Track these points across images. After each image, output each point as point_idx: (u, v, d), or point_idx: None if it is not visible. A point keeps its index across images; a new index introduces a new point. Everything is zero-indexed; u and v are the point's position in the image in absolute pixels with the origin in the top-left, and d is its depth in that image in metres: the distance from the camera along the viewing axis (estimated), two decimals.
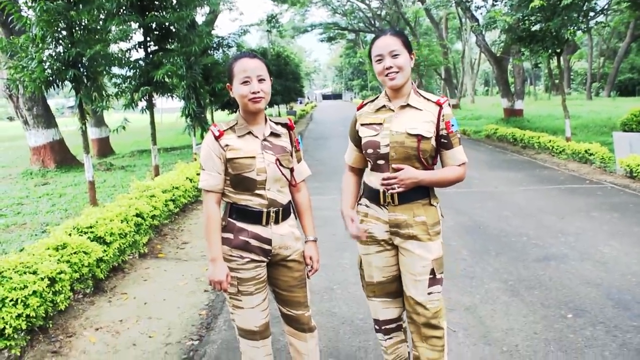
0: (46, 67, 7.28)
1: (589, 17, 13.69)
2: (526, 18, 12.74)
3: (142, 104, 10.29)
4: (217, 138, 2.40)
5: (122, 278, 5.01)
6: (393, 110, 2.48)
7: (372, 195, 2.52)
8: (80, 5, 7.30)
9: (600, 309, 3.86)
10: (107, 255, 4.59)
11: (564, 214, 6.68)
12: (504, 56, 22.53)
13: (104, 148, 18.35)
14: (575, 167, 10.51)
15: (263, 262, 2.49)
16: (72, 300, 4.27)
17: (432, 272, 2.43)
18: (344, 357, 3.34)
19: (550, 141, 12.45)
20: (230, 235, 2.44)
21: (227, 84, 2.47)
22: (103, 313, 4.22)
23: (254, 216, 2.43)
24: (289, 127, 2.59)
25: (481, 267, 4.89)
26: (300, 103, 51.58)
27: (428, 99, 2.47)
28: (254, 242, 2.43)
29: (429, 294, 2.43)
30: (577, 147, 11.05)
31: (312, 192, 2.87)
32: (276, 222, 2.47)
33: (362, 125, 2.56)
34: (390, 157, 2.42)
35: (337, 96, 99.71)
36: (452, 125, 2.43)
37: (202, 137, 12.65)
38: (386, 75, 2.41)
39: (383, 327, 2.68)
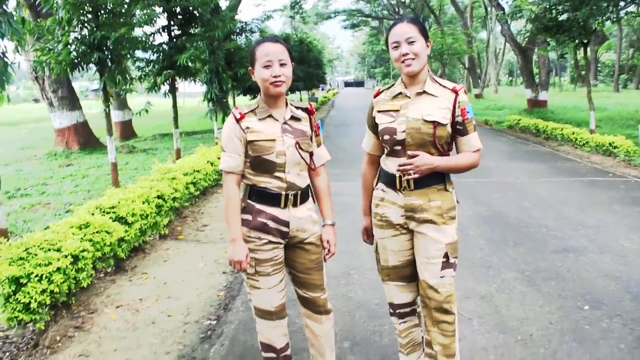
0: (72, 49, 7.38)
1: (619, 7, 13.42)
2: (553, 7, 12.55)
3: (165, 87, 10.37)
4: (238, 120, 2.45)
5: (142, 258, 5.11)
6: (409, 97, 2.50)
7: (389, 180, 2.56)
8: None
9: (617, 301, 3.85)
10: (128, 235, 4.68)
11: (585, 207, 6.62)
12: (529, 46, 22.20)
13: (127, 131, 18.57)
14: (599, 159, 10.38)
15: (280, 243, 2.53)
16: (94, 278, 4.36)
17: (446, 255, 2.46)
18: (359, 340, 3.39)
19: (573, 133, 12.30)
20: (249, 217, 2.48)
21: (250, 67, 2.51)
22: (124, 291, 4.32)
23: (272, 198, 2.47)
24: (309, 112, 2.62)
25: (498, 256, 4.88)
26: (322, 90, 51.49)
27: (444, 86, 2.50)
28: (272, 224, 2.48)
29: (442, 277, 2.47)
30: (601, 140, 10.89)
31: (333, 178, 2.92)
32: (294, 205, 2.52)
33: (378, 112, 2.59)
34: (406, 143, 2.46)
35: (359, 84, 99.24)
36: (468, 112, 2.46)
37: (223, 121, 12.72)
38: (402, 62, 2.44)
39: (397, 311, 2.72)
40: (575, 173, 9.10)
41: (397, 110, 2.50)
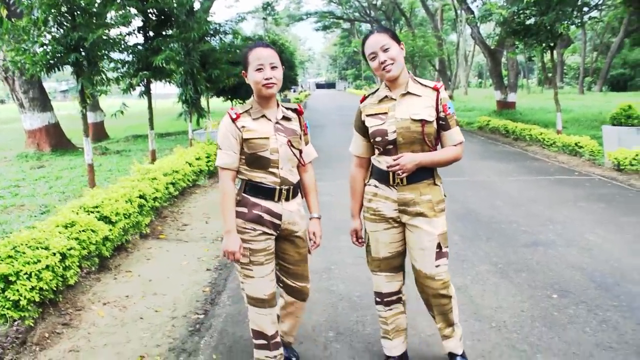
0: (48, 50, 7.36)
1: (583, 12, 13.86)
2: (521, 12, 12.90)
3: (140, 89, 10.37)
4: (234, 120, 2.61)
5: (125, 257, 5.18)
6: (395, 99, 2.67)
7: (382, 177, 2.74)
8: None
9: (583, 290, 4.09)
10: (112, 234, 4.75)
11: (553, 204, 6.90)
12: (498, 49, 22.69)
13: (99, 132, 18.41)
14: (565, 159, 10.74)
15: (273, 235, 2.70)
16: (80, 277, 4.42)
17: (439, 246, 2.68)
18: (343, 330, 3.54)
19: (541, 134, 12.68)
20: (244, 209, 2.64)
21: (243, 71, 2.67)
22: (109, 289, 4.39)
23: (267, 192, 2.64)
24: (298, 112, 2.81)
25: (472, 251, 5.10)
26: (294, 91, 51.56)
27: (425, 85, 2.70)
28: (266, 217, 2.64)
29: (437, 266, 2.69)
30: (567, 140, 11.28)
31: None
32: (287, 199, 2.70)
33: (367, 116, 2.75)
34: (397, 142, 2.64)
35: (330, 85, 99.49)
36: (449, 107, 2.66)
37: (198, 123, 12.75)
38: (383, 69, 2.61)
39: (385, 300, 2.91)
40: (543, 172, 9.42)
41: (386, 113, 2.68)
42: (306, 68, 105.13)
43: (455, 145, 2.70)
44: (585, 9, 13.80)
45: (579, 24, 14.21)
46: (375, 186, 2.79)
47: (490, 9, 13.99)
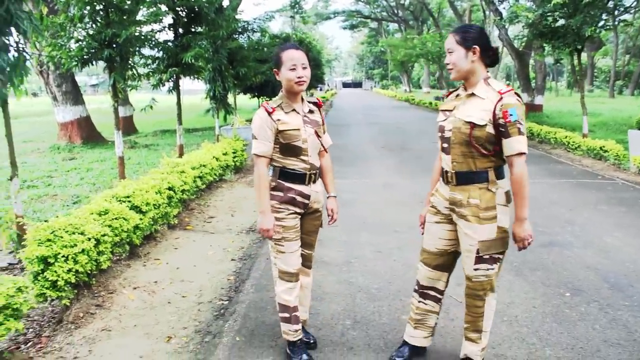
0: (83, 45, 7.64)
1: (614, 15, 13.74)
2: (548, 14, 12.85)
3: (168, 85, 10.62)
4: (270, 113, 2.90)
5: (154, 246, 5.41)
6: (462, 98, 2.77)
7: (442, 174, 2.89)
8: None
9: (596, 289, 4.18)
10: (142, 223, 4.97)
11: (573, 206, 6.95)
12: (525, 51, 22.55)
13: (128, 126, 18.81)
14: (590, 163, 10.72)
15: (300, 214, 3.04)
16: (111, 262, 4.65)
17: (478, 252, 2.71)
18: (359, 319, 3.71)
19: (566, 137, 12.63)
20: (280, 193, 2.99)
21: (274, 69, 2.96)
22: (139, 275, 4.62)
23: (299, 177, 3.00)
24: (318, 105, 3.15)
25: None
26: (320, 90, 51.75)
27: (494, 89, 2.68)
28: (298, 198, 3.02)
29: (475, 270, 2.76)
30: (592, 144, 11.23)
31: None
32: (314, 182, 3.05)
33: (440, 110, 2.91)
34: (451, 141, 2.74)
35: (357, 84, 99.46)
36: (511, 115, 2.57)
37: (225, 119, 12.98)
38: (448, 70, 2.76)
39: (420, 290, 3.08)
40: (566, 175, 9.43)
41: (451, 110, 2.79)
42: (333, 67, 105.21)
43: (513, 156, 2.63)
44: (616, 12, 13.68)
45: (608, 27, 14.07)
46: (440, 182, 2.94)
47: (516, 11, 13.96)
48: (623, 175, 9.27)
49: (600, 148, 10.84)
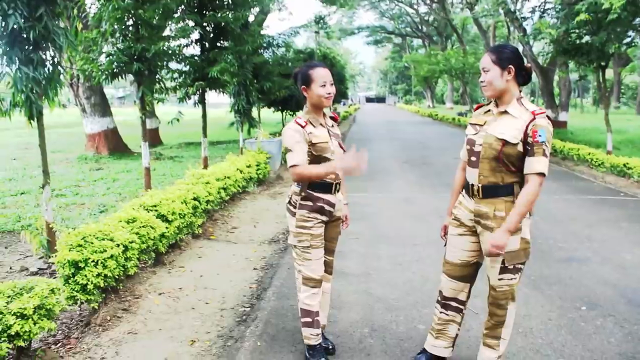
0: (114, 59, 7.91)
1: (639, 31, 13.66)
2: (572, 31, 12.85)
3: (195, 98, 10.86)
4: (303, 127, 3.07)
5: (179, 254, 5.57)
6: (494, 115, 2.86)
7: (466, 187, 2.97)
8: (147, 4, 7.93)
9: (612, 304, 4.22)
10: (168, 231, 5.14)
11: (593, 223, 6.95)
12: (549, 67, 22.47)
13: (154, 138, 19.16)
14: (613, 180, 10.66)
15: (325, 222, 3.19)
16: (137, 269, 4.82)
17: (503, 262, 2.80)
18: (377, 327, 3.81)
19: (589, 154, 12.56)
20: (310, 203, 3.15)
21: (303, 86, 3.14)
22: (164, 281, 4.77)
23: (327, 187, 3.16)
24: (335, 119, 3.34)
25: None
26: (344, 105, 51.99)
27: (527, 109, 2.77)
28: (326, 207, 3.18)
29: (500, 279, 2.86)
30: (615, 161, 11.16)
31: (354, 189, 3.54)
32: (338, 191, 3.21)
33: (470, 124, 3.00)
34: (480, 155, 2.83)
35: (380, 99, 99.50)
36: (539, 135, 2.67)
37: (249, 132, 13.19)
38: (482, 87, 2.86)
39: (442, 301, 3.16)
40: (587, 191, 9.41)
41: (482, 125, 2.88)
42: (357, 82, 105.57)
43: (531, 175, 2.70)
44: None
45: (634, 45, 14.01)
46: (462, 195, 3.04)
47: (539, 28, 13.98)
48: None
49: (624, 165, 10.77)
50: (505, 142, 2.72)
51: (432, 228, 6.60)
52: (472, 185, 2.88)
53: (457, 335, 3.20)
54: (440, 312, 3.17)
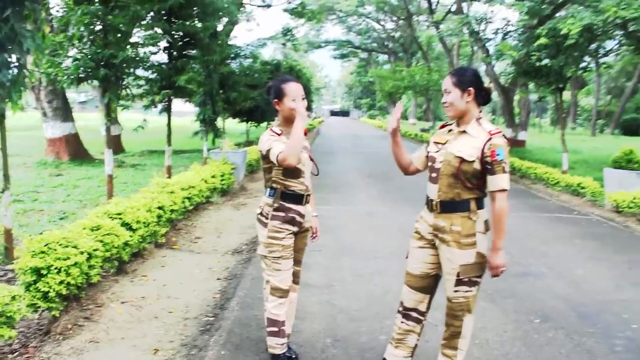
0: (81, 64, 7.82)
1: (597, 56, 14.23)
2: (532, 53, 13.30)
3: (160, 106, 10.79)
4: (279, 135, 3.19)
5: (141, 263, 5.54)
6: (455, 134, 3.02)
7: (426, 201, 3.10)
8: (117, 10, 7.90)
9: (564, 317, 4.42)
10: (132, 240, 5.11)
11: (548, 239, 7.21)
12: (510, 87, 23.10)
13: (116, 146, 18.81)
14: (567, 198, 11.04)
15: (296, 233, 3.28)
16: (100, 277, 4.78)
17: (458, 275, 2.93)
18: (339, 338, 3.89)
19: (546, 173, 12.98)
20: (282, 213, 3.24)
21: (275, 99, 3.25)
22: (126, 290, 4.75)
23: (298, 198, 3.27)
24: (305, 133, 3.32)
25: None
26: (309, 117, 52.14)
27: (484, 129, 2.92)
28: (297, 218, 3.28)
29: (455, 291, 2.97)
30: (570, 180, 11.58)
31: (318, 202, 3.67)
32: (307, 202, 3.30)
33: (433, 142, 3.13)
34: (440, 172, 2.97)
35: (345, 113, 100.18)
36: (498, 154, 2.82)
37: (213, 142, 13.16)
38: (445, 107, 3.01)
39: (403, 312, 3.25)
40: (543, 209, 9.73)
41: (443, 144, 3.02)
42: (322, 95, 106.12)
43: (496, 192, 2.85)
44: (600, 52, 14.17)
45: (589, 69, 14.59)
46: (424, 210, 3.15)
47: (502, 49, 14.43)
48: (598, 212, 9.59)
49: (578, 184, 11.17)
50: (462, 160, 2.87)
51: (393, 241, 6.75)
52: (432, 200, 3.01)
53: (416, 345, 3.29)
54: (401, 322, 3.26)
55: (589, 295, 5.00)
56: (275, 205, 3.24)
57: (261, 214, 3.30)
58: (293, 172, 3.22)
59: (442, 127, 3.19)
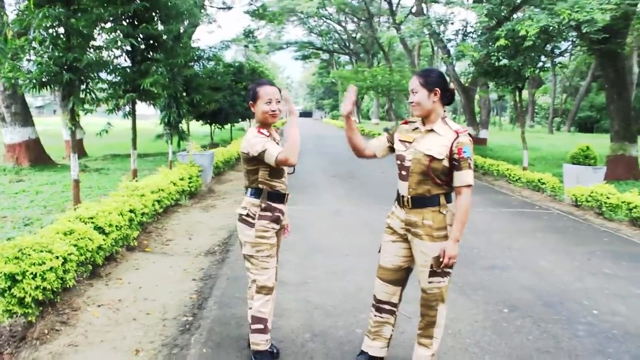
0: (43, 69, 7.70)
1: (553, 56, 14.68)
2: (492, 54, 13.66)
3: (125, 109, 10.69)
4: (267, 137, 3.26)
5: (115, 266, 5.53)
6: (422, 132, 3.14)
7: (397, 198, 3.23)
8: (79, 13, 7.82)
9: (530, 306, 4.64)
10: (105, 243, 5.11)
11: (512, 234, 7.47)
12: (471, 87, 23.62)
13: (78, 150, 18.22)
14: (528, 194, 11.41)
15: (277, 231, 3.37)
16: (75, 281, 4.76)
17: (432, 266, 3.07)
18: (317, 332, 3.99)
19: (507, 169, 13.37)
20: (269, 213, 3.34)
21: (250, 102, 3.31)
22: (102, 294, 4.74)
23: (281, 197, 3.39)
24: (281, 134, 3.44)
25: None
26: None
27: (451, 128, 3.07)
28: (281, 217, 3.40)
29: (429, 282, 3.13)
30: (531, 176, 11.97)
31: None
32: (287, 201, 3.40)
33: (399, 140, 3.24)
34: (410, 170, 3.09)
35: (307, 114, 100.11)
36: (464, 152, 2.99)
37: (179, 145, 13.10)
38: (412, 107, 3.13)
39: (376, 305, 3.39)
40: (506, 205, 10.04)
41: (411, 142, 3.14)
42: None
43: (462, 187, 3.01)
44: (556, 52, 14.62)
45: (546, 69, 15.06)
46: (395, 206, 3.29)
47: (462, 50, 14.78)
48: (558, 206, 9.94)
49: (539, 180, 11.57)
50: (432, 158, 3.00)
51: (361, 238, 6.90)
52: (403, 196, 3.15)
53: (391, 336, 3.43)
54: (375, 315, 3.39)
55: (552, 285, 5.24)
56: (263, 205, 3.31)
57: (247, 215, 3.33)
58: (278, 172, 3.31)
59: (405, 123, 3.32)
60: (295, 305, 4.53)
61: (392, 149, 3.32)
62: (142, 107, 12.68)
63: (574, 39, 15.44)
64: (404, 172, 3.14)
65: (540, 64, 13.83)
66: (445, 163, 3.01)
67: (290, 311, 4.40)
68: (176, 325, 4.12)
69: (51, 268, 3.97)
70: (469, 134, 3.08)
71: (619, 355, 3.77)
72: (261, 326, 3.38)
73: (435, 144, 3.03)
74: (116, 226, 5.42)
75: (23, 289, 3.77)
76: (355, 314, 4.38)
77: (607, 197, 8.74)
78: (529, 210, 9.50)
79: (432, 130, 3.09)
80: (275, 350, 3.56)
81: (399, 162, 3.18)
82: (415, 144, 3.10)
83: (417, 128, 3.18)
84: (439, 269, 3.07)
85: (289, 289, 4.96)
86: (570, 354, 3.75)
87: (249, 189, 3.37)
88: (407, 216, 3.13)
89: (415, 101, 3.08)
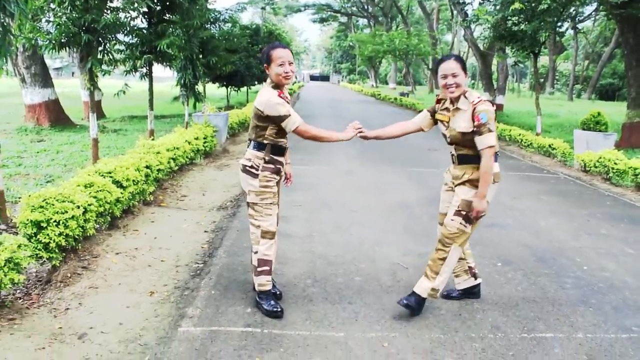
0: (63, 30, 7.92)
1: (576, 21, 14.53)
2: (508, 18, 13.58)
3: (141, 71, 10.91)
4: (284, 99, 3.52)
5: (132, 219, 5.84)
6: (451, 111, 3.59)
7: (451, 156, 3.72)
8: None
9: (523, 261, 4.88)
10: (123, 197, 5.41)
11: (517, 195, 7.66)
12: (488, 52, 23.41)
13: (97, 111, 18.77)
14: (539, 159, 11.51)
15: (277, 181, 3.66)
16: (94, 231, 5.07)
17: (459, 206, 3.54)
18: (319, 279, 4.29)
19: (519, 135, 13.43)
20: (272, 165, 3.59)
21: (265, 65, 3.53)
22: (120, 243, 5.06)
23: (283, 151, 3.66)
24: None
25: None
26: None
27: (469, 101, 3.49)
28: (282, 168, 3.67)
29: (451, 220, 3.57)
30: (542, 142, 12.05)
31: (298, 162, 4.04)
32: (286, 154, 3.68)
33: (439, 119, 3.73)
34: (452, 141, 3.61)
35: (324, 78, 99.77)
36: (481, 118, 3.39)
37: (195, 106, 13.32)
38: (447, 88, 3.49)
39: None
40: (515, 168, 10.18)
41: (448, 122, 3.63)
42: (301, 59, 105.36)
43: (484, 149, 3.40)
44: (574, 18, 14.49)
45: (562, 34, 14.92)
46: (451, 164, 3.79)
47: (478, 14, 14.68)
48: (567, 171, 10.07)
49: (549, 146, 11.65)
50: (464, 133, 3.48)
51: (369, 197, 7.15)
52: (452, 154, 3.68)
53: (469, 267, 3.92)
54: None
55: (548, 243, 5.46)
56: (267, 158, 3.56)
57: (252, 166, 3.58)
58: (284, 132, 3.56)
59: (438, 102, 3.74)
60: (299, 255, 4.82)
61: (435, 122, 3.77)
62: (158, 70, 12.89)
63: (596, 3, 15.22)
64: (449, 141, 3.65)
65: (562, 29, 13.70)
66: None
67: (294, 260, 4.69)
68: (188, 271, 4.44)
69: (73, 217, 4.26)
70: (489, 101, 3.49)
71: (601, 305, 4.00)
72: (267, 268, 3.66)
73: (463, 120, 3.48)
74: (133, 181, 5.70)
75: (48, 235, 4.07)
76: (356, 263, 4.66)
77: (615, 163, 8.84)
78: (537, 175, 9.64)
79: (458, 109, 3.53)
80: (278, 292, 3.85)
81: (444, 137, 3.70)
82: (451, 123, 3.57)
83: (446, 108, 3.63)
84: (461, 209, 3.50)
85: (294, 240, 5.25)
86: (555, 302, 3.99)
87: (253, 142, 3.61)
88: (455, 171, 3.65)
89: (457, 83, 3.46)
